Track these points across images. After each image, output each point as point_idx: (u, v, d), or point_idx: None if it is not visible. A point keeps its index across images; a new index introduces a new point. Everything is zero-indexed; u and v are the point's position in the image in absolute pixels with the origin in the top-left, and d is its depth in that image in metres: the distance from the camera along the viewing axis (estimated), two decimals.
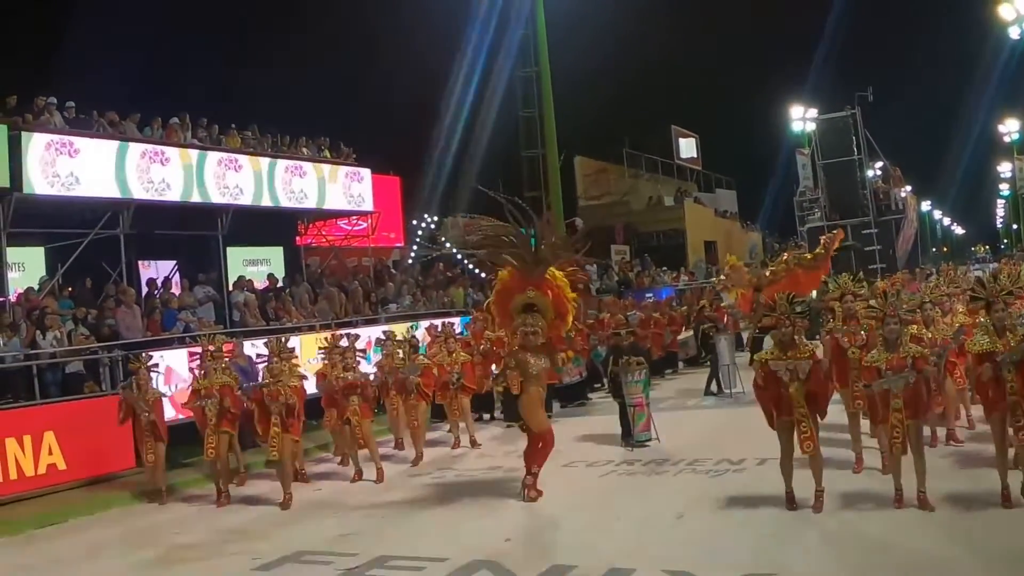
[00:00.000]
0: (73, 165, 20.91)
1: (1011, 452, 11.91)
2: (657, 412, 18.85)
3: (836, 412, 14.01)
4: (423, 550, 12.28)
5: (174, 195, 23.06)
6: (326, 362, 17.82)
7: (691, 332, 27.59)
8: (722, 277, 22.98)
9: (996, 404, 11.75)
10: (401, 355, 19.25)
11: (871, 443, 14.46)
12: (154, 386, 17.21)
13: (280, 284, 27.12)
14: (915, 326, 14.37)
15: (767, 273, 22.05)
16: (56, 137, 21.00)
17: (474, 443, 19.81)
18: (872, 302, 13.20)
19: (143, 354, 17.61)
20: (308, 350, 21.60)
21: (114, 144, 22.15)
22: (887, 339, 12.17)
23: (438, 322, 24.29)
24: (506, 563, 11.27)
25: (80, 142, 21.26)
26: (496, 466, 17.48)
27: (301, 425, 16.43)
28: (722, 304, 27.75)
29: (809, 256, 21.00)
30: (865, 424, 14.43)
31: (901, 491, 11.98)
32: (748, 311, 22.93)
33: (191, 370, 18.45)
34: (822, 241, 23.46)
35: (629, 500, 14.06)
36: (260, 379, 16.71)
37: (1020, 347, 11.43)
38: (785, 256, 21.65)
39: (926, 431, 14.01)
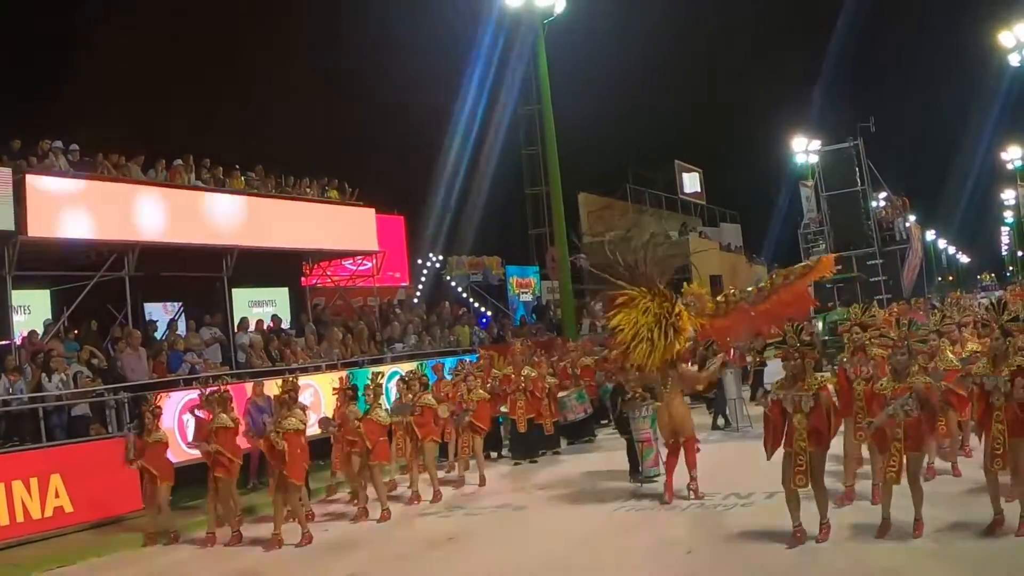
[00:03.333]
0: (77, 208, 20.93)
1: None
2: (665, 448, 18.78)
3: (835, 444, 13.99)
4: None
5: (179, 237, 23.02)
6: (338, 404, 17.86)
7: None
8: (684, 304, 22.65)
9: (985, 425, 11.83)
10: (411, 395, 19.13)
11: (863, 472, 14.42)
12: (161, 428, 17.21)
13: (283, 325, 27.03)
14: (921, 357, 14.33)
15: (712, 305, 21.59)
16: (60, 180, 21.05)
17: (482, 481, 19.79)
18: (889, 332, 13.20)
19: (154, 396, 17.67)
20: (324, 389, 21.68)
21: (118, 186, 22.16)
22: (896, 369, 12.17)
23: (444, 360, 24.25)
24: None
25: (85, 185, 21.30)
26: (505, 504, 17.47)
27: (305, 469, 16.32)
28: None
29: (752, 290, 20.55)
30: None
31: (888, 520, 12.00)
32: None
33: (192, 409, 18.34)
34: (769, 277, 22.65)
35: (638, 536, 14.02)
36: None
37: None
38: (731, 290, 21.26)
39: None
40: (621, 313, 16.98)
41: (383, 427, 17.26)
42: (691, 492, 16.17)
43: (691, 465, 16.38)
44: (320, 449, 18.94)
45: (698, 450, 16.78)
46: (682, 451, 16.40)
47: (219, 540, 16.24)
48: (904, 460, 11.84)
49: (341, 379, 18.69)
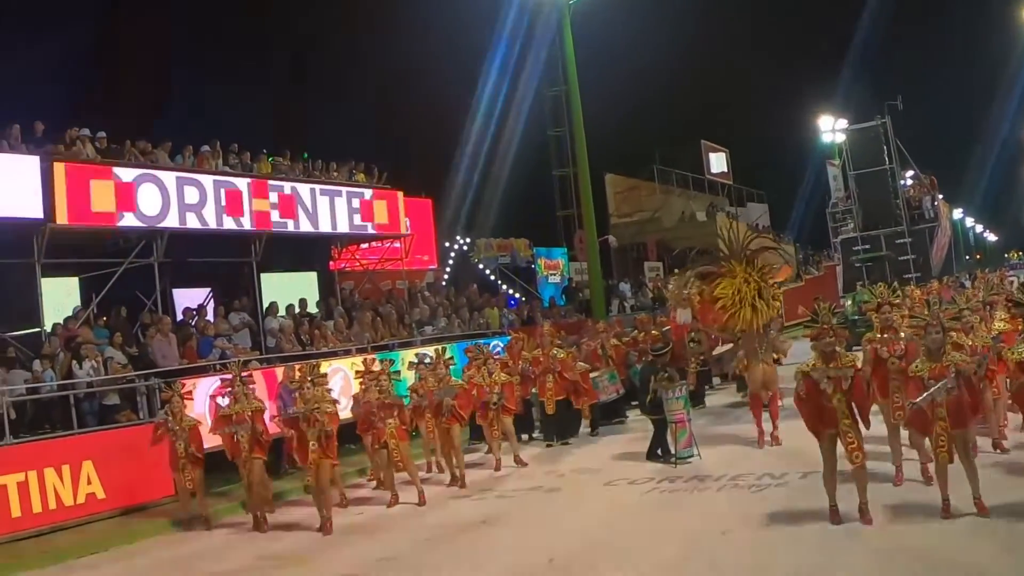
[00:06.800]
0: (105, 195, 20.93)
1: None
2: (696, 428, 18.71)
3: (875, 424, 13.87)
4: (465, 572, 12.24)
5: (207, 222, 23.05)
6: (362, 385, 17.81)
7: (729, 346, 27.29)
8: (683, 291, 22.59)
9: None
10: (433, 380, 19.03)
11: (911, 454, 14.26)
12: (189, 413, 17.24)
13: (311, 309, 26.97)
14: (955, 334, 14.16)
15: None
16: (88, 167, 21.06)
17: (519, 462, 19.74)
18: (922, 312, 13.06)
19: (176, 382, 17.72)
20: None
21: (146, 172, 22.17)
22: (930, 348, 12.01)
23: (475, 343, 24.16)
24: None
25: (113, 172, 21.29)
26: (537, 486, 17.42)
27: (336, 449, 16.26)
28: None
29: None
30: (903, 434, 14.24)
31: (948, 501, 11.83)
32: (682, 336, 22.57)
33: (214, 397, 18.36)
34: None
35: (672, 517, 13.95)
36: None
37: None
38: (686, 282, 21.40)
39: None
40: (722, 283, 19.51)
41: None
42: (772, 440, 18.48)
43: (775, 416, 18.75)
44: (348, 432, 18.92)
45: (782, 405, 18.90)
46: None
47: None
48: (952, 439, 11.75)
49: (364, 361, 18.63)
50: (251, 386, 17.10)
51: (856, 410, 12.18)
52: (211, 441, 17.79)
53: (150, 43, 40.33)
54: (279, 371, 20.90)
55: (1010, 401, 14.43)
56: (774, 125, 78.76)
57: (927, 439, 12.68)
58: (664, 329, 24.05)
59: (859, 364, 12.77)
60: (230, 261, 25.04)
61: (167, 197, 22.16)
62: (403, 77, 50.04)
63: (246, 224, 24.01)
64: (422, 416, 18.99)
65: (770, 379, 18.99)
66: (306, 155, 28.17)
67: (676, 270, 25.29)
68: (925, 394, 11.69)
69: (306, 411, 15.53)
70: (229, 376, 17.35)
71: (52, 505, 16.85)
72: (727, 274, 19.63)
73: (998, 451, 15.04)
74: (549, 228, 47.23)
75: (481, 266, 40.03)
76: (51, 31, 37.79)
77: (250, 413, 16.33)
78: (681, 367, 19.93)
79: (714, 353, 26.22)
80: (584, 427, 22.82)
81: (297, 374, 16.96)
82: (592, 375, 22.56)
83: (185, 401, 17.26)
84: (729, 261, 19.82)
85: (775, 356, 20.42)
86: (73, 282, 23.99)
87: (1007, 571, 10.00)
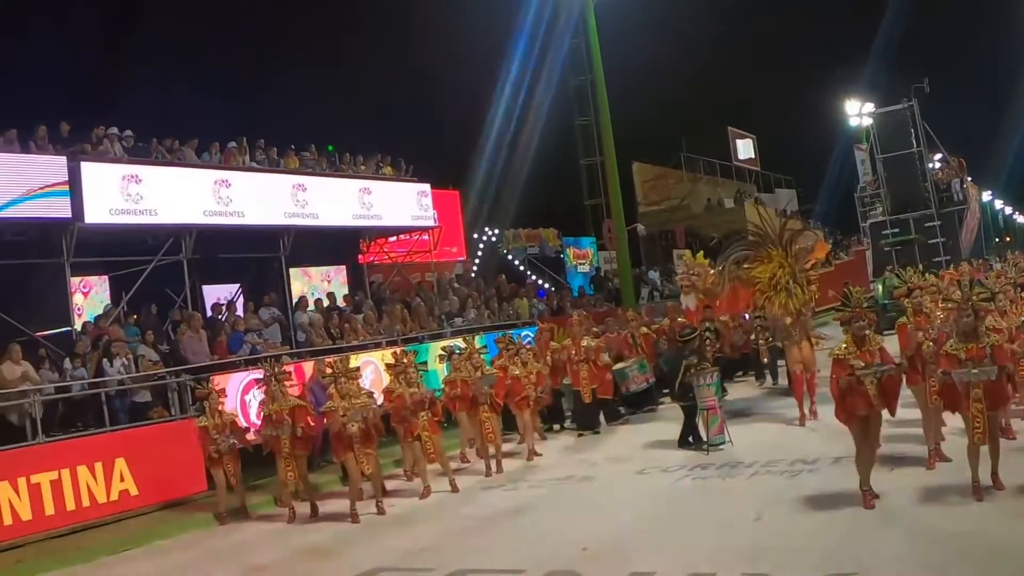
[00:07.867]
0: (133, 193, 20.97)
1: None
2: (727, 415, 18.65)
3: (910, 410, 13.82)
4: (499, 562, 12.20)
5: (235, 219, 23.08)
6: (393, 379, 17.82)
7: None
8: (689, 275, 22.59)
9: None
10: (468, 369, 18.99)
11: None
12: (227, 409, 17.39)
13: (339, 304, 27.00)
14: (991, 317, 14.07)
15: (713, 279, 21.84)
16: (116, 166, 21.12)
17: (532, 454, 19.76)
18: (956, 295, 13.01)
19: (210, 379, 17.78)
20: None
21: (174, 170, 22.24)
22: (964, 332, 11.96)
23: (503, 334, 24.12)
24: (584, 572, 11.19)
25: (140, 170, 21.34)
26: (570, 475, 17.39)
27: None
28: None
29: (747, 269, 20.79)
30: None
31: (979, 483, 11.79)
32: (696, 321, 22.37)
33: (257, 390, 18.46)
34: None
35: (705, 504, 13.93)
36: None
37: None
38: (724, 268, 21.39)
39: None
40: (758, 268, 20.11)
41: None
42: (811, 415, 19.21)
43: (812, 392, 19.49)
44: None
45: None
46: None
47: (299, 517, 16.44)
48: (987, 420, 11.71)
49: (395, 354, 18.63)
50: (288, 383, 17.25)
51: (886, 396, 12.19)
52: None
53: (170, 40, 40.41)
54: (308, 365, 20.94)
55: None
56: (801, 110, 78.15)
57: (943, 416, 12.71)
58: None
59: (887, 348, 12.72)
60: (259, 256, 25.06)
61: (195, 194, 22.24)
62: (427, 69, 49.93)
63: (275, 219, 24.09)
64: (458, 407, 19.02)
65: (808, 359, 19.47)
66: (331, 147, 28.20)
67: (682, 257, 25.27)
68: (963, 371, 11.66)
69: (345, 406, 15.67)
70: (260, 373, 17.42)
71: (85, 503, 16.92)
72: (764, 259, 20.05)
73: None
74: (577, 217, 47.28)
75: (510, 257, 40.00)
76: (71, 30, 37.81)
77: (288, 411, 16.43)
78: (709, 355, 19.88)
79: (750, 337, 26.23)
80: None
81: (328, 369, 17.01)
82: (621, 365, 22.48)
83: (221, 398, 17.36)
84: (766, 247, 20.23)
85: (814, 340, 20.42)
86: (103, 280, 24.06)
87: None
